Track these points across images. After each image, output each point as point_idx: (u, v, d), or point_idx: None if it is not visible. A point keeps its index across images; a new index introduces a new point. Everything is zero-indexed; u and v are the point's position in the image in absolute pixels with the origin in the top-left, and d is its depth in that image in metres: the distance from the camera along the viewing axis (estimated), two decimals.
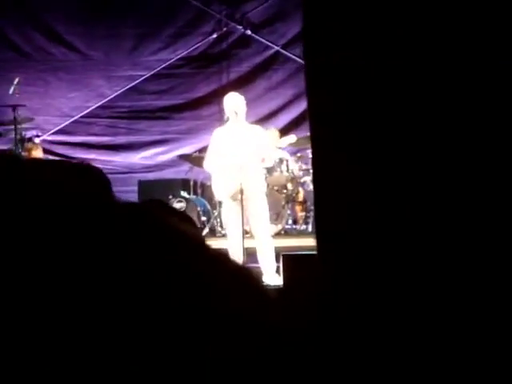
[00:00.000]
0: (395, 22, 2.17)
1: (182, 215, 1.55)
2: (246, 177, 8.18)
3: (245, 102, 8.54)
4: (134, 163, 12.91)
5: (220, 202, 9.28)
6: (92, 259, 1.27)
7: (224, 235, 9.59)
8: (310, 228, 10.61)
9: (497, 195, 2.11)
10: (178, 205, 10.98)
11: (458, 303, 2.09)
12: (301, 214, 11.13)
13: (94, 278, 1.25)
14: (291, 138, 9.22)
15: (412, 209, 2.14)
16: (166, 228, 1.36)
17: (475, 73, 2.12)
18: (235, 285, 1.35)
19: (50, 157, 11.75)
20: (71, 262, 1.27)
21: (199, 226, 10.83)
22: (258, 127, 8.73)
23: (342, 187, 2.19)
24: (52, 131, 12.78)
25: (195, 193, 11.38)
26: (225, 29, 12.69)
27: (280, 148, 10.62)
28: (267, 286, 8.09)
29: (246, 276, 1.39)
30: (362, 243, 2.16)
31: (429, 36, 2.15)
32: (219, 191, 8.54)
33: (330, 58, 2.21)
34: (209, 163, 8.61)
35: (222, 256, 1.39)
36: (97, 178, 1.60)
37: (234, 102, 8.47)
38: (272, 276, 8.25)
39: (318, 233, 2.31)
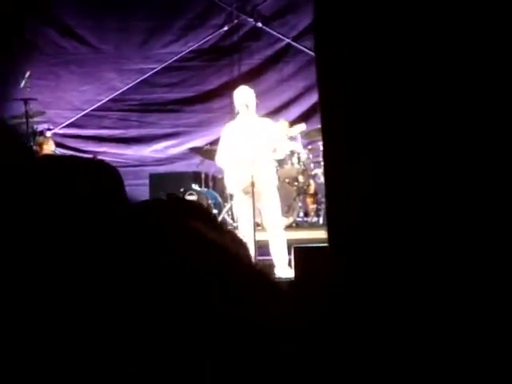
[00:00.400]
0: (407, 15, 2.16)
1: (200, 210, 1.53)
2: (257, 170, 8.18)
3: (254, 95, 8.54)
4: (145, 156, 12.92)
5: (231, 195, 9.28)
6: (95, 259, 1.26)
7: (235, 228, 9.59)
8: (321, 220, 10.61)
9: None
10: (190, 198, 10.99)
11: (473, 297, 2.08)
12: (312, 207, 11.13)
13: (96, 275, 1.25)
14: (301, 126, 9.21)
15: (424, 200, 2.14)
16: (175, 230, 1.35)
17: (474, 71, 2.12)
18: (252, 287, 1.34)
19: (62, 150, 11.77)
20: (72, 261, 1.26)
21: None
22: (268, 120, 8.72)
23: (352, 179, 2.19)
24: (63, 124, 12.80)
25: (206, 186, 11.38)
26: (236, 21, 12.68)
27: (291, 139, 10.62)
28: (279, 278, 8.10)
29: (259, 275, 1.39)
30: (374, 235, 2.16)
31: (441, 28, 2.14)
32: (231, 184, 8.55)
33: (341, 49, 2.21)
34: (221, 158, 8.61)
35: (233, 257, 1.38)
36: (108, 175, 1.60)
37: (244, 96, 8.47)
38: (284, 268, 8.26)
39: (329, 225, 2.30)
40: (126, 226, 1.34)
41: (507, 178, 2.09)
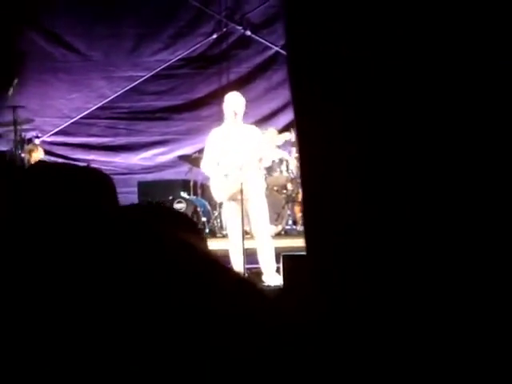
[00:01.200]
0: (384, 13, 2.16)
1: (184, 219, 1.55)
2: (245, 177, 8.18)
3: (245, 102, 8.53)
4: (133, 164, 12.91)
5: (220, 203, 9.27)
6: (86, 261, 1.26)
7: (224, 236, 9.59)
8: None
9: (498, 190, 2.11)
10: (178, 205, 10.98)
11: (456, 304, 2.09)
12: (300, 215, 11.13)
13: (87, 281, 1.25)
14: (285, 135, 9.22)
15: (404, 205, 2.14)
16: (162, 236, 1.36)
17: (473, 71, 2.12)
18: (232, 288, 1.35)
19: (50, 158, 11.74)
20: (64, 266, 1.27)
21: (200, 226, 10.84)
22: (254, 127, 8.71)
23: (330, 183, 2.19)
24: (52, 132, 12.78)
25: (195, 193, 11.38)
26: (224, 29, 12.69)
27: (278, 147, 10.63)
28: (267, 286, 8.09)
29: (242, 279, 1.39)
30: (352, 241, 2.16)
31: (418, 27, 2.14)
32: (218, 193, 8.53)
33: (314, 49, 2.21)
34: (206, 165, 8.59)
35: (218, 263, 1.39)
36: (102, 182, 1.60)
37: (234, 102, 8.46)
38: (272, 276, 8.25)
39: (307, 230, 2.30)
40: (118, 228, 1.35)
41: (498, 174, 2.10)
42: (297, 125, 2.33)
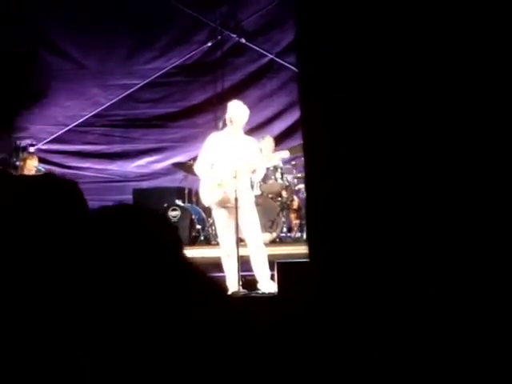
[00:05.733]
0: (391, 29, 2.19)
1: (161, 220, 1.57)
2: (238, 185, 8.18)
3: (248, 113, 8.51)
4: (128, 171, 12.91)
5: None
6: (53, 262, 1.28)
7: (219, 243, 9.59)
8: (304, 236, 10.61)
9: (495, 191, 2.12)
10: (173, 213, 10.98)
11: (453, 305, 2.10)
12: (295, 222, 11.14)
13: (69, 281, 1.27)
14: (284, 153, 9.21)
15: (407, 213, 2.16)
16: (137, 235, 1.37)
17: (472, 71, 2.14)
18: (202, 290, 1.37)
19: (45, 166, 11.74)
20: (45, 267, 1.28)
21: (194, 234, 10.84)
22: (253, 139, 8.72)
23: (334, 192, 2.21)
24: (47, 140, 12.78)
25: (190, 201, 11.38)
26: (219, 37, 12.71)
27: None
28: (262, 293, 8.09)
29: (212, 284, 1.41)
30: (355, 248, 2.18)
31: (424, 42, 2.16)
32: (207, 197, 8.52)
33: (323, 67, 2.23)
34: (200, 167, 8.58)
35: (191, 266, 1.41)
36: (65, 188, 1.61)
37: (239, 112, 8.43)
38: (266, 283, 8.25)
39: (310, 239, 2.32)
40: (86, 230, 1.36)
41: (497, 170, 2.11)
42: (304, 137, 2.35)
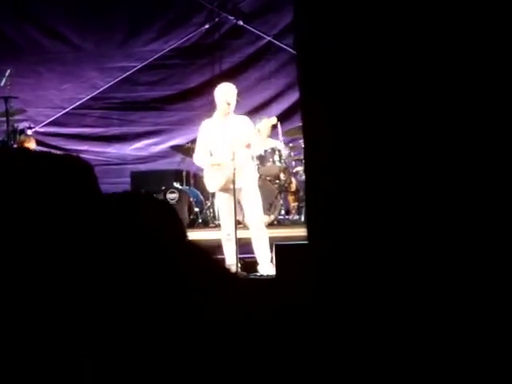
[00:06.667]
0: (391, 13, 2.18)
1: (167, 207, 1.58)
2: (237, 166, 8.18)
3: (236, 92, 8.52)
4: (126, 154, 12.90)
5: (213, 193, 9.27)
6: (74, 253, 1.28)
7: (217, 226, 9.59)
8: (302, 218, 10.62)
9: (496, 188, 2.13)
10: (171, 195, 10.98)
11: (458, 300, 2.10)
12: (293, 204, 11.15)
13: (80, 268, 1.27)
14: (271, 120, 9.27)
15: (407, 200, 2.16)
16: (145, 221, 1.38)
17: (473, 69, 2.14)
18: (209, 274, 1.37)
19: (43, 148, 11.72)
20: (56, 252, 1.28)
21: (192, 216, 10.84)
22: (245, 117, 8.70)
23: (333, 177, 2.21)
24: (44, 123, 12.76)
25: (188, 183, 11.37)
26: (217, 19, 12.66)
27: (270, 136, 10.67)
28: (261, 276, 8.11)
29: (221, 269, 1.41)
30: (355, 235, 2.18)
31: (425, 28, 2.16)
32: (211, 183, 8.54)
33: (321, 49, 2.22)
34: (198, 157, 8.59)
35: (199, 250, 1.41)
36: (82, 170, 1.62)
37: (227, 92, 8.44)
38: (267, 266, 8.26)
39: (309, 223, 2.31)
40: (101, 216, 1.36)
41: (497, 170, 2.11)
42: (303, 121, 2.34)
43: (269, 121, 10.39)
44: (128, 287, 1.27)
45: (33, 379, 1.20)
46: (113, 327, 1.23)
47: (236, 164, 8.16)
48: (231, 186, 8.20)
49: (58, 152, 11.12)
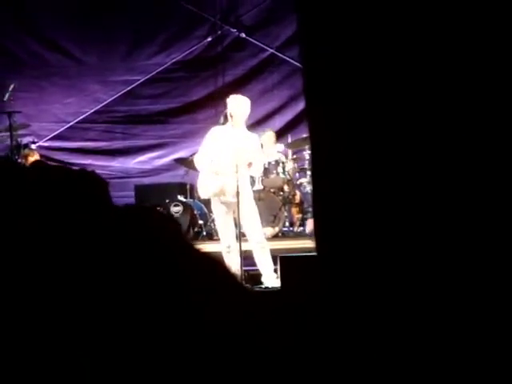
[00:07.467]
0: (394, 22, 2.18)
1: (170, 220, 1.59)
2: (239, 179, 8.17)
3: (249, 106, 8.48)
4: (130, 168, 12.91)
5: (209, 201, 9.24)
6: (87, 259, 1.28)
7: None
8: (306, 230, 10.61)
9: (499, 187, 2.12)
10: (175, 209, 10.98)
11: (460, 305, 2.09)
12: (297, 216, 11.13)
13: (90, 273, 1.27)
14: (279, 146, 9.26)
15: (413, 209, 2.15)
16: (155, 232, 1.38)
17: (473, 70, 2.14)
18: (219, 284, 1.36)
19: (48, 163, 11.73)
20: (68, 259, 1.28)
21: (197, 229, 10.83)
22: (254, 134, 8.71)
23: (341, 186, 2.20)
24: (48, 137, 12.78)
25: (192, 196, 11.37)
26: (219, 32, 12.70)
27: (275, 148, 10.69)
28: (265, 288, 8.09)
29: (231, 279, 1.40)
30: (362, 243, 2.17)
31: (429, 38, 2.16)
32: (204, 189, 8.52)
33: (327, 60, 2.22)
34: (200, 159, 8.56)
35: (206, 258, 1.40)
36: (95, 184, 1.62)
37: (239, 106, 8.41)
38: (270, 278, 8.25)
39: (317, 234, 2.31)
40: (113, 228, 1.36)
41: (497, 170, 2.11)
42: (310, 133, 2.34)
43: (272, 134, 10.41)
44: (128, 287, 1.27)
45: (33, 379, 1.19)
46: (113, 327, 1.23)
47: (239, 177, 8.16)
48: (225, 199, 8.23)
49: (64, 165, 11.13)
